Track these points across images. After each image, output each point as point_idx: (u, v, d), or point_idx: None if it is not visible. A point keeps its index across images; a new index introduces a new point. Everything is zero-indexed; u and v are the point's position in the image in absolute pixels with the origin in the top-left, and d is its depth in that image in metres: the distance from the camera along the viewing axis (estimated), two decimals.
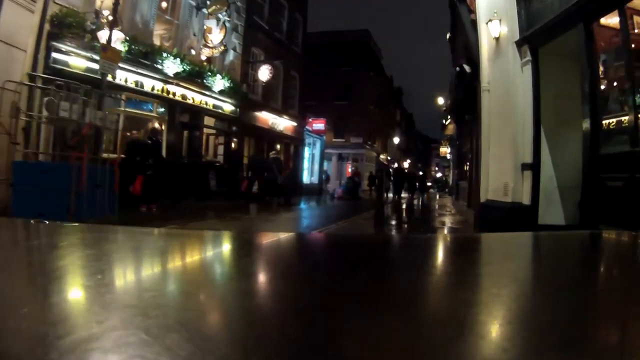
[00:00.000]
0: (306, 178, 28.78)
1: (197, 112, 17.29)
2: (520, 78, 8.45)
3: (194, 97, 16.83)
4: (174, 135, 16.15)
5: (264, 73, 20.08)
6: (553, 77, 8.14)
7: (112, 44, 11.12)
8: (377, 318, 0.57)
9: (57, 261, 0.90)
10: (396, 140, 58.38)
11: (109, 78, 13.64)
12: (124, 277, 0.83)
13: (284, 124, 24.06)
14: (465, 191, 15.79)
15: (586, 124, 6.56)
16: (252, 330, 0.53)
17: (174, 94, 15.91)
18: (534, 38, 8.12)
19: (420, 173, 45.30)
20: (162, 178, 12.87)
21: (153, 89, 15.07)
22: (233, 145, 19.33)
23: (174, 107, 16.08)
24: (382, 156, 52.70)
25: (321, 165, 31.90)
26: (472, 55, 10.85)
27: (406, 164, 66.01)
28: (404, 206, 19.91)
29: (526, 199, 8.05)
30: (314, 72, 40.56)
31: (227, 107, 18.74)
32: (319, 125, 29.06)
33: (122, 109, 14.38)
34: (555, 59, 8.07)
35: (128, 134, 14.62)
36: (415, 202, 26.03)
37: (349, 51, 43.35)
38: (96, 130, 10.00)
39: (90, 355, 0.42)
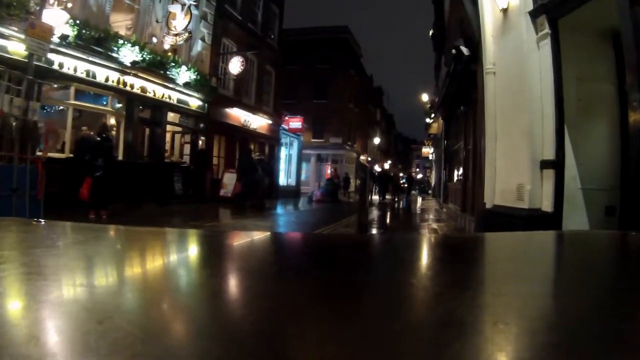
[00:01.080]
0: (283, 180, 27.05)
1: (159, 107, 15.55)
2: (535, 57, 6.93)
3: (155, 90, 15.10)
4: (133, 133, 14.41)
5: (235, 65, 18.40)
6: (575, 56, 6.65)
7: (54, 25, 9.50)
8: (361, 321, 0.56)
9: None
10: (377, 140, 57.02)
11: (56, 66, 12.14)
12: (102, 278, 0.81)
13: (258, 122, 22.33)
14: (456, 194, 14.28)
15: (637, 115, 5.00)
16: (232, 332, 0.52)
17: (131, 86, 14.18)
18: (553, 7, 6.59)
19: (401, 174, 44.39)
20: (113, 180, 11.30)
21: (107, 79, 13.36)
22: (200, 144, 17.56)
23: (132, 101, 14.35)
24: (362, 157, 51.31)
25: (299, 166, 30.22)
26: (469, 33, 9.35)
27: (386, 165, 65.34)
28: (388, 211, 18.43)
29: (547, 205, 6.53)
30: (291, 70, 39.34)
31: (194, 102, 17.02)
32: (295, 123, 27.28)
33: (72, 101, 12.73)
34: (580, 33, 6.58)
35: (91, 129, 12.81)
36: (400, 205, 24.74)
37: (328, 48, 41.87)
38: (23, 124, 8.26)
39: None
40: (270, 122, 23.76)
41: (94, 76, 12.93)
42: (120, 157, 14.09)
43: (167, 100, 15.65)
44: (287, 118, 26.71)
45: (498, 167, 7.80)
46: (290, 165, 29.06)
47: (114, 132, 13.90)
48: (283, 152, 27.16)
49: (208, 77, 17.63)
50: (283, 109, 26.69)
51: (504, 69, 7.88)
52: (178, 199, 15.72)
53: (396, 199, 28.28)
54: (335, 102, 41.62)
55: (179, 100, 16.17)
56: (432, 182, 47.84)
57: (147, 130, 15.76)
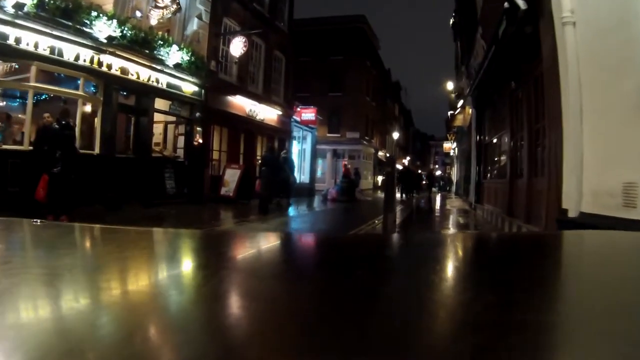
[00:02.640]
0: (295, 177, 24.50)
1: (145, 93, 13.30)
2: None
3: (140, 72, 12.86)
4: (111, 122, 12.17)
5: (237, 46, 16.11)
6: None
7: None
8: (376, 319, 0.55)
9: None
10: (395, 135, 54.42)
11: (11, 41, 10.04)
12: (113, 279, 0.80)
13: (265, 112, 20.00)
14: (496, 194, 11.84)
15: None
16: (246, 331, 0.53)
17: (109, 67, 11.94)
18: None
19: (420, 172, 41.96)
20: (75, 177, 9.24)
21: (77, 58, 11.13)
22: (197, 136, 15.28)
23: (110, 85, 12.11)
24: (380, 153, 48.87)
25: (313, 162, 27.84)
26: None
27: (405, 162, 63.29)
28: (414, 211, 16.02)
29: None
30: (304, 62, 37.26)
31: (188, 87, 14.74)
32: (308, 114, 24.74)
33: (32, 84, 10.57)
34: None
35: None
36: (423, 204, 22.36)
37: (343, 38, 39.52)
38: None
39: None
40: (280, 112, 21.39)
41: (60, 54, 10.72)
42: (96, 151, 11.94)
43: (154, 84, 13.38)
44: (299, 109, 24.21)
45: (587, 158, 5.38)
46: (304, 161, 26.70)
47: (97, 121, 11.88)
48: (295, 147, 24.77)
49: (205, 60, 15.36)
50: (295, 100, 24.27)
51: (591, 17, 5.48)
52: (170, 200, 13.55)
53: (417, 197, 26.39)
54: (351, 95, 39.24)
55: (169, 85, 13.91)
56: (454, 179, 45.43)
57: (133, 120, 13.55)
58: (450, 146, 45.40)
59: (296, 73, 23.54)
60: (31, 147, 9.94)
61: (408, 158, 69.58)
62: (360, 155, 40.06)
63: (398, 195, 25.96)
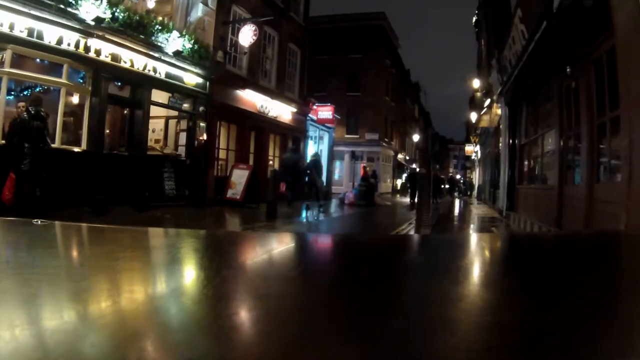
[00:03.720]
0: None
1: (140, 83, 11.85)
2: None
3: (133, 59, 11.41)
4: (99, 114, 10.74)
5: (246, 35, 14.61)
6: None
7: None
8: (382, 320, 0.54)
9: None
10: (416, 137, 52.69)
11: None
12: (112, 279, 0.78)
13: (279, 109, 18.45)
14: (538, 201, 10.12)
15: None
16: (250, 331, 0.53)
17: (97, 53, 10.53)
18: None
19: (442, 176, 40.18)
20: (46, 175, 7.93)
21: (60, 42, 9.75)
22: (200, 132, 13.79)
23: (99, 73, 10.70)
24: (400, 155, 47.16)
25: (330, 164, 26.19)
26: None
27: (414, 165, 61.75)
28: (441, 220, 14.37)
29: None
30: (322, 60, 35.92)
31: (191, 78, 13.27)
32: (325, 113, 23.08)
33: (7, 69, 9.19)
34: None
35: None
36: (447, 211, 20.70)
37: (361, 36, 38.05)
38: None
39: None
40: (294, 110, 19.80)
41: (40, 36, 9.35)
42: (83, 147, 10.56)
43: (151, 73, 11.93)
44: (315, 107, 22.57)
45: None
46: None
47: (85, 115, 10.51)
48: (311, 147, 23.19)
49: (211, 49, 13.90)
50: (311, 97, 22.68)
51: None
52: (169, 202, 12.12)
53: (438, 202, 24.47)
54: (370, 95, 37.77)
55: (168, 75, 12.44)
56: (475, 183, 43.61)
57: (126, 114, 12.14)
58: (472, 149, 43.46)
59: (313, 71, 22.18)
60: (4, 142, 8.61)
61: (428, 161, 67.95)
62: (379, 158, 38.43)
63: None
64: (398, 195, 38.02)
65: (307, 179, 13.88)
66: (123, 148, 11.86)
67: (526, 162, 12.19)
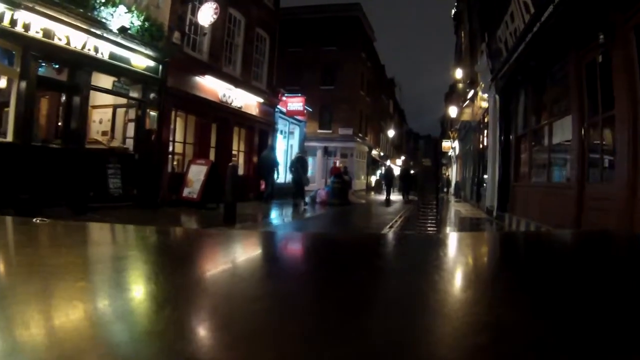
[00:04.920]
0: (280, 176, 21.23)
1: (77, 64, 10.17)
2: None
3: (70, 36, 9.74)
4: (27, 100, 9.08)
5: (206, 14, 13.04)
6: None
7: None
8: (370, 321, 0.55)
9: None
10: (391, 133, 51.52)
11: None
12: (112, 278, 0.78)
13: (244, 99, 16.81)
14: (537, 202, 8.86)
15: None
16: (245, 330, 0.51)
17: (25, 27, 8.85)
18: None
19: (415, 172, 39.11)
20: None
21: None
22: (150, 122, 12.16)
23: (28, 52, 9.05)
24: (374, 152, 45.89)
25: None
26: None
27: (399, 162, 61.00)
28: (423, 217, 13.03)
29: None
30: (295, 53, 34.57)
31: (140, 60, 11.60)
32: (295, 104, 21.34)
33: None
34: None
35: None
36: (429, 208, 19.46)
37: (336, 28, 36.78)
38: None
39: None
40: (261, 100, 18.14)
41: None
42: (9, 138, 8.92)
43: (92, 53, 10.27)
44: (284, 98, 20.92)
45: None
46: (290, 159, 23.36)
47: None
48: (281, 142, 21.64)
49: (166, 29, 12.28)
50: (281, 87, 21.04)
51: None
52: (114, 203, 10.56)
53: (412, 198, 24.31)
54: (344, 89, 36.39)
55: (112, 56, 10.78)
56: (452, 180, 42.71)
57: (63, 99, 10.45)
58: (449, 145, 42.54)
59: (286, 64, 20.75)
60: None
61: (402, 157, 67.30)
62: (353, 154, 37.08)
63: (395, 196, 24.49)
64: (372, 193, 36.84)
65: (292, 177, 14.76)
66: (59, 140, 10.19)
67: (524, 157, 10.84)
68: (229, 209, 9.51)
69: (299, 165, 15.70)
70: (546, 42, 7.94)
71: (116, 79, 11.28)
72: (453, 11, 36.35)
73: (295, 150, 22.85)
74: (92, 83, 10.58)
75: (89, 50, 10.17)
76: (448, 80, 33.59)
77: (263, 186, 16.02)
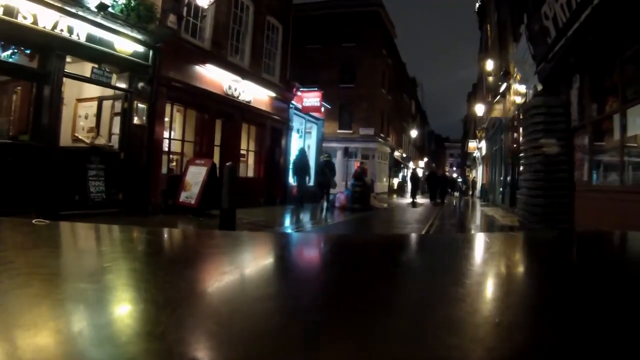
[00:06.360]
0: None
1: (48, 48, 8.57)
2: None
3: (38, 14, 8.14)
4: None
5: None
6: None
7: None
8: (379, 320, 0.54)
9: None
10: (413, 134, 49.55)
11: None
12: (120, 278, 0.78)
13: (253, 92, 15.13)
14: (599, 210, 6.89)
15: None
16: (251, 331, 0.51)
17: None
18: None
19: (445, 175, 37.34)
20: None
21: None
22: (137, 117, 10.51)
23: None
24: (396, 153, 43.99)
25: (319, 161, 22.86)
26: None
27: (421, 164, 59.22)
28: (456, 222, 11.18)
29: None
30: (312, 50, 33.04)
31: (125, 44, 9.92)
32: (312, 100, 19.35)
33: None
34: None
35: None
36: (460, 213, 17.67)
37: (355, 23, 35.13)
38: None
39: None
40: (273, 94, 16.41)
41: None
42: None
43: (65, 34, 8.65)
44: (299, 93, 19.01)
45: None
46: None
47: None
48: (296, 141, 19.81)
49: (158, 10, 10.66)
50: (295, 81, 19.18)
51: None
52: (95, 209, 9.00)
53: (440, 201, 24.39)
54: (364, 87, 34.78)
55: (90, 39, 9.15)
56: (478, 183, 40.65)
57: (33, 91, 8.89)
58: (475, 145, 40.47)
59: (303, 61, 19.08)
60: None
61: (425, 159, 65.48)
62: (374, 155, 35.33)
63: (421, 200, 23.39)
64: (395, 196, 34.94)
65: (318, 180, 14.73)
66: (25, 136, 8.62)
67: (578, 155, 8.91)
68: (225, 216, 7.82)
69: (327, 169, 15.42)
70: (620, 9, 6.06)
71: (96, 66, 9.65)
72: (477, 5, 34.66)
73: (313, 151, 21.13)
74: (68, 70, 8.99)
75: (61, 31, 8.57)
76: (471, 79, 31.66)
77: (295, 190, 16.17)
